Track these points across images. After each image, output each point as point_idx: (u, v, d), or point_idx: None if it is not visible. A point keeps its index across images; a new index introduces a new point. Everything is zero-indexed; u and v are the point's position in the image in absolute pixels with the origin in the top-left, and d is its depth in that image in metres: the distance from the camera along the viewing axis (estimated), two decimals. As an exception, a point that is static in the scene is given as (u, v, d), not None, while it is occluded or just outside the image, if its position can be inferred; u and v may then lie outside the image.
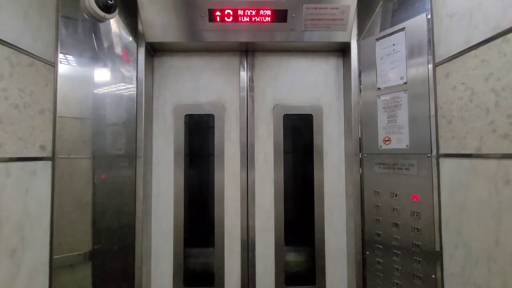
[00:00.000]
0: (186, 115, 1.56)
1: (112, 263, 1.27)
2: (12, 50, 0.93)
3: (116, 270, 1.28)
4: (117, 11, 1.26)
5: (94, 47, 1.24)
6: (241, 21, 1.36)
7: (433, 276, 1.11)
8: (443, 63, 1.09)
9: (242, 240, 1.52)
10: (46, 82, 1.07)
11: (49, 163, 1.08)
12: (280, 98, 1.57)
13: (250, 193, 1.53)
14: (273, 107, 1.57)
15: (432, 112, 1.13)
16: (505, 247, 0.82)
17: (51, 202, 1.09)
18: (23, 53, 0.97)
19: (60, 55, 1.13)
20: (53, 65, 1.11)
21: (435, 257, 1.10)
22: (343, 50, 1.56)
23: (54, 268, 1.09)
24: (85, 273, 1.18)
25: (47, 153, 1.08)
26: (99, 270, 1.23)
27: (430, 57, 1.15)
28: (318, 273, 1.53)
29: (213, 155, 1.55)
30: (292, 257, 1.56)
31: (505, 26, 0.82)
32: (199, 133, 1.59)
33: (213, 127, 1.56)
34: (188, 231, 1.54)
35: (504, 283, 0.82)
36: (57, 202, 1.10)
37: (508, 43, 0.81)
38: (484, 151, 0.89)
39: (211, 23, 1.37)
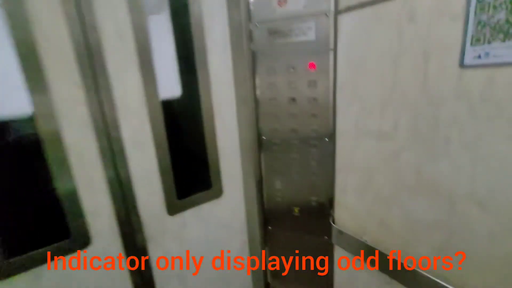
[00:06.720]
0: None
1: None
2: None
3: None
4: None
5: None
6: None
7: (326, 139, 1.16)
8: None
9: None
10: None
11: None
12: None
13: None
14: None
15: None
16: (400, 88, 0.87)
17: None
18: None
19: None
20: None
21: (330, 119, 1.13)
22: None
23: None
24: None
25: None
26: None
27: None
28: (213, 175, 1.35)
29: None
30: (181, 167, 1.25)
31: None
32: None
33: None
34: None
35: (396, 126, 0.91)
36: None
37: None
38: (389, -7, 0.83)
39: None
